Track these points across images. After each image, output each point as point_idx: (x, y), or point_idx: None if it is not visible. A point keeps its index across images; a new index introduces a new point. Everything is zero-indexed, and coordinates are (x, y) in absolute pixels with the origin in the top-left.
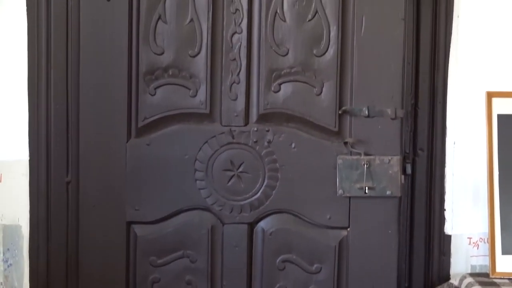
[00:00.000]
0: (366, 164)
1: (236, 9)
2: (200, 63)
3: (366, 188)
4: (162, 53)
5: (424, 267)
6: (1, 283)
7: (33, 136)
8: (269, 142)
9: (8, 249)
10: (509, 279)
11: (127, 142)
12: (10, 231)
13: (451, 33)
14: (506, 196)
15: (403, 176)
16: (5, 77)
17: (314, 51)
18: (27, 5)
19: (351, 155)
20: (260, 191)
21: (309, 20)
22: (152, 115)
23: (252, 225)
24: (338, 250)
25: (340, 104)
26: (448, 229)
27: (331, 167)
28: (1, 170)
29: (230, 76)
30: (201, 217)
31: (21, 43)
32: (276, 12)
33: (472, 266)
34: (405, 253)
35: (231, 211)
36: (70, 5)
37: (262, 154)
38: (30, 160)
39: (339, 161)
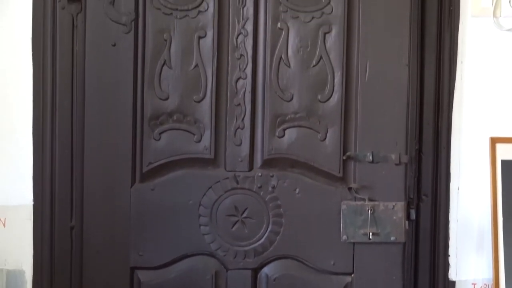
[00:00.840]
0: (371, 210)
1: (241, 55)
2: (205, 108)
3: (371, 234)
4: (167, 98)
5: None
6: None
7: (37, 181)
8: (273, 187)
9: None
10: None
11: (131, 187)
12: (14, 276)
13: (455, 79)
14: (511, 242)
15: (407, 222)
16: (10, 120)
17: (319, 97)
18: (32, 49)
19: (355, 200)
20: (264, 236)
21: (314, 66)
22: (156, 160)
23: (256, 271)
24: None
25: (345, 149)
26: (452, 275)
27: (335, 213)
28: (5, 215)
29: (235, 121)
30: (205, 262)
31: (26, 87)
32: (281, 57)
33: None
34: None
35: (235, 257)
36: (75, 49)
37: (266, 199)
38: (34, 205)
39: (343, 207)
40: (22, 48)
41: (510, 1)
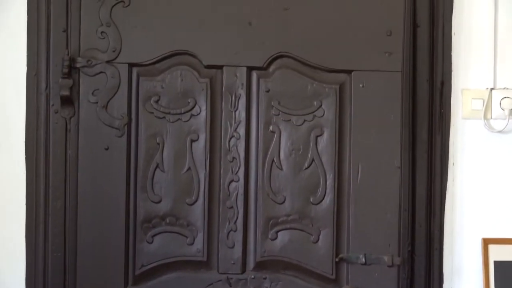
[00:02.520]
0: None
1: (233, 158)
2: (198, 211)
3: None
4: (160, 201)
5: None
6: None
7: (30, 285)
8: None
9: None
10: None
11: None
12: None
13: (446, 181)
14: None
15: None
16: (4, 224)
17: (311, 199)
18: (25, 153)
19: None
20: None
21: (306, 168)
22: (149, 262)
23: None
24: None
25: (337, 251)
26: None
27: None
28: None
29: (227, 224)
30: None
31: (20, 190)
32: (273, 160)
33: None
34: None
35: None
36: (68, 153)
37: None
38: None
39: None
40: (16, 152)
41: (500, 103)
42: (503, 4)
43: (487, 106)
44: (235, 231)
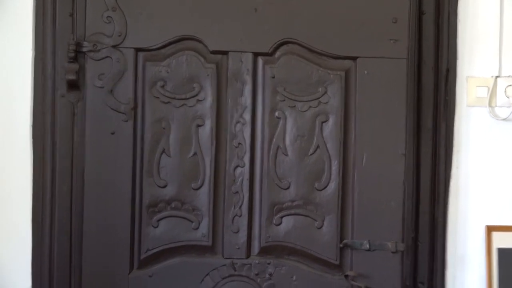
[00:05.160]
0: None
1: (239, 143)
2: (203, 196)
3: None
4: (165, 186)
5: None
6: None
7: (36, 267)
8: (270, 274)
9: None
10: None
11: (129, 273)
12: None
13: (450, 168)
14: None
15: None
16: (10, 206)
17: (316, 185)
18: (32, 137)
19: None
20: None
21: (311, 154)
22: (154, 247)
23: None
24: None
25: (341, 237)
26: None
27: None
28: None
29: (233, 209)
30: None
31: (26, 174)
32: (278, 146)
33: None
34: None
35: None
36: (75, 137)
37: (263, 286)
38: None
39: None
40: (22, 136)
41: (505, 91)
42: None
43: (492, 94)
44: (240, 216)
